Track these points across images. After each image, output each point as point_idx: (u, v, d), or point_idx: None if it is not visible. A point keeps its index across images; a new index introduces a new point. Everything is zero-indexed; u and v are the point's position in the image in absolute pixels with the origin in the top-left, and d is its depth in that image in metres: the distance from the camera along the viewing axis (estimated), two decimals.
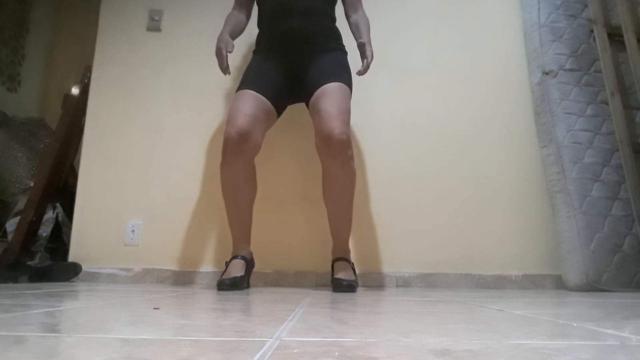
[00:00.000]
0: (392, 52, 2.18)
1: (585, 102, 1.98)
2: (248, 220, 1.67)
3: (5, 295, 1.08)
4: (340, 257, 1.66)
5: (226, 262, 1.64)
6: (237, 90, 1.68)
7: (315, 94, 1.63)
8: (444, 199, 2.05)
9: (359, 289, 1.70)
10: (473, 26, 2.24)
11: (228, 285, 1.51)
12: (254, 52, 1.82)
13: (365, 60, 1.66)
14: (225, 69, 1.66)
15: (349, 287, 1.53)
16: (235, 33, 1.78)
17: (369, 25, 1.81)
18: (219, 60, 1.67)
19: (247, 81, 1.69)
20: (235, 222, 1.64)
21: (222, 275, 1.59)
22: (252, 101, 1.62)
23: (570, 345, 0.52)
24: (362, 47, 1.68)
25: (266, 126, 1.67)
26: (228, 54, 1.66)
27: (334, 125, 1.52)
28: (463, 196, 2.06)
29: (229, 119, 1.59)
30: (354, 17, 1.84)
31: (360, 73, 1.67)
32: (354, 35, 1.82)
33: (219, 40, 1.69)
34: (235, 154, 1.56)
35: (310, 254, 1.96)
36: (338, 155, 1.53)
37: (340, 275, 1.59)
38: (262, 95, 1.64)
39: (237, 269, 1.59)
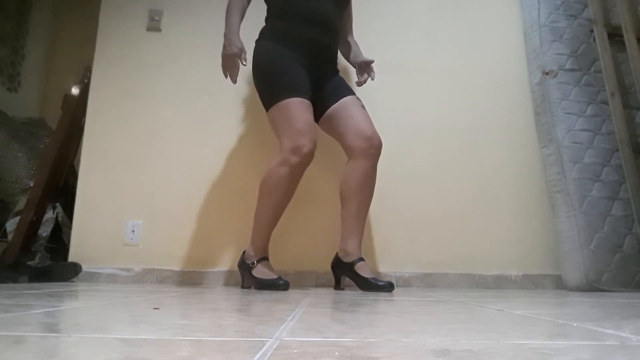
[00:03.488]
0: (392, 52, 2.18)
1: (585, 102, 1.98)
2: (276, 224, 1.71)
3: (5, 295, 1.08)
4: (362, 258, 1.67)
5: (252, 262, 1.64)
6: (291, 96, 1.62)
7: (342, 102, 1.75)
8: (444, 199, 2.05)
9: (357, 288, 1.69)
10: (473, 26, 2.24)
11: (284, 284, 1.56)
12: (273, 39, 1.71)
13: (372, 74, 1.83)
14: (235, 80, 1.69)
15: (390, 286, 1.58)
16: (240, 22, 1.75)
17: None
18: (229, 69, 1.68)
19: (298, 87, 1.65)
20: (270, 226, 1.66)
21: (262, 276, 1.60)
22: (311, 112, 1.66)
23: (570, 345, 0.52)
24: (368, 64, 1.83)
25: None
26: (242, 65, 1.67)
27: (373, 129, 1.71)
28: (463, 196, 2.06)
29: (302, 130, 1.58)
30: (350, 38, 1.97)
31: (360, 84, 1.84)
32: (346, 56, 1.96)
33: (232, 44, 1.66)
34: (305, 165, 1.61)
35: (310, 254, 1.96)
36: (375, 156, 1.69)
37: (371, 275, 1.63)
38: (310, 102, 1.68)
39: (272, 271, 1.64)
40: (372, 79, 1.84)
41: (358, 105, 1.76)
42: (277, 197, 1.62)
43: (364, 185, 1.68)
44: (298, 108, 1.61)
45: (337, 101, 1.75)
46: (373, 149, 1.68)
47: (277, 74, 1.67)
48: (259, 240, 1.66)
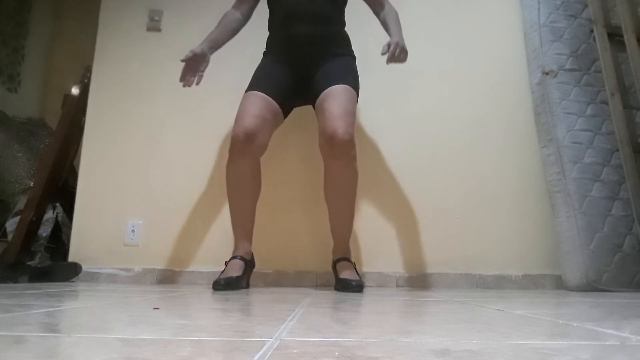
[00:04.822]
0: None
1: (585, 102, 1.98)
2: (250, 220, 1.67)
3: (5, 295, 1.08)
4: (343, 258, 1.66)
5: (226, 262, 1.64)
6: (246, 92, 1.70)
7: (322, 95, 1.65)
8: (444, 198, 2.05)
9: None
10: (473, 26, 2.24)
11: (222, 285, 1.50)
12: (264, 53, 1.83)
13: (390, 54, 1.56)
14: (184, 79, 1.65)
15: (358, 287, 1.53)
16: (223, 37, 1.75)
17: (398, 17, 1.78)
18: (184, 66, 1.64)
19: (255, 83, 1.71)
20: (238, 221, 1.65)
21: (220, 275, 1.59)
22: (259, 102, 1.64)
23: (570, 345, 0.52)
24: (387, 48, 1.59)
25: (273, 127, 1.70)
26: (201, 73, 1.67)
27: (338, 125, 1.53)
28: (463, 196, 2.06)
29: (237, 120, 1.62)
30: (382, 15, 1.82)
31: (387, 56, 1.58)
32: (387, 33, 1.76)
33: (193, 49, 1.65)
34: (241, 154, 1.59)
35: (310, 254, 1.96)
36: (341, 156, 1.55)
37: (346, 275, 1.59)
38: (269, 96, 1.67)
39: (235, 269, 1.58)
40: (401, 61, 1.59)
41: (333, 97, 1.60)
42: (230, 188, 1.64)
43: (333, 186, 1.63)
44: (245, 100, 1.67)
45: (318, 95, 1.66)
46: (335, 147, 1.53)
47: (251, 81, 1.74)
48: (234, 239, 1.67)
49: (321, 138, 1.58)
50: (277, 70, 1.73)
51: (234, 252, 1.65)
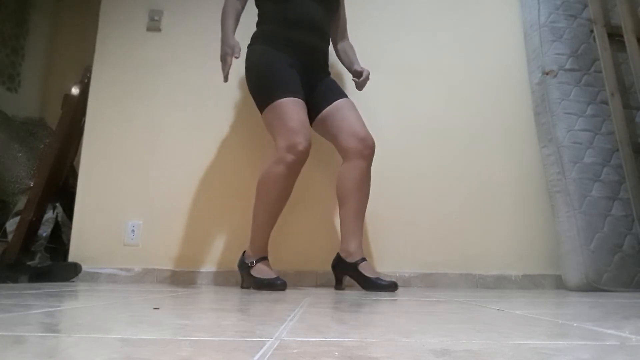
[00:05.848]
0: (392, 51, 2.18)
1: (585, 102, 1.98)
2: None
3: (5, 295, 1.08)
4: (365, 258, 1.68)
5: (251, 262, 1.65)
6: (284, 96, 1.63)
7: (335, 104, 1.77)
8: (444, 198, 2.05)
9: (358, 288, 1.70)
10: (473, 26, 2.24)
11: (282, 285, 1.56)
12: (264, 49, 1.73)
13: (364, 78, 1.81)
14: (226, 76, 1.68)
15: (394, 286, 1.60)
16: (236, 28, 1.77)
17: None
18: (223, 67, 1.67)
19: (290, 87, 1.66)
20: (268, 225, 1.67)
21: (256, 276, 1.61)
22: (304, 110, 1.67)
23: (570, 345, 0.52)
24: (358, 73, 1.83)
25: None
26: (234, 59, 1.66)
27: (367, 131, 1.73)
28: (463, 196, 2.06)
29: (296, 129, 1.59)
30: (342, 44, 1.95)
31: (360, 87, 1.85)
32: (342, 60, 1.95)
33: (226, 44, 1.66)
34: (300, 163, 1.61)
35: (310, 254, 1.96)
36: (369, 157, 1.71)
37: (375, 275, 1.64)
38: (304, 102, 1.69)
39: (271, 271, 1.64)
40: (359, 89, 1.85)
41: (351, 107, 1.77)
42: (274, 195, 1.62)
43: (360, 185, 1.70)
44: (291, 107, 1.63)
45: (330, 104, 1.77)
46: (367, 149, 1.70)
47: (270, 76, 1.69)
48: (257, 240, 1.67)
49: (352, 140, 1.69)
50: (296, 75, 1.71)
51: (260, 253, 1.67)
